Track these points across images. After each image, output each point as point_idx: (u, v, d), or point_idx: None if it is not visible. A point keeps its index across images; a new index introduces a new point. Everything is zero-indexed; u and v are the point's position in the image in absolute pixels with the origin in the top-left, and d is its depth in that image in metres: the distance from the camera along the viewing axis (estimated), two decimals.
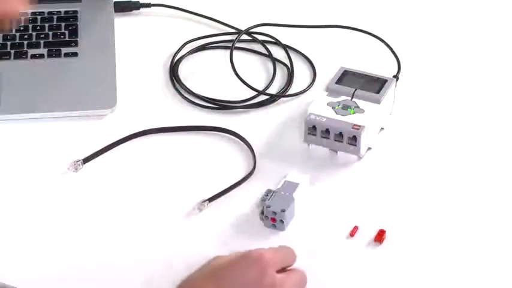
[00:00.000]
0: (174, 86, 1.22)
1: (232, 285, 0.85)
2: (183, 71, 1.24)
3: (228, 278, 0.85)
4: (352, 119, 1.08)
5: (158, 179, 1.07)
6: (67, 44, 1.26)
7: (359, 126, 1.07)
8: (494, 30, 1.33)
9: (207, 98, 1.19)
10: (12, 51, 1.25)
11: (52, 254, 0.97)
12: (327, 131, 1.07)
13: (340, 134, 1.07)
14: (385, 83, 1.13)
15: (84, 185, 1.06)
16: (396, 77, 1.17)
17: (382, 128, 1.14)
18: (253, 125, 1.15)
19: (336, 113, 1.08)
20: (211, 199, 1.03)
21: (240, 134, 1.12)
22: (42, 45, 1.26)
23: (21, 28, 1.28)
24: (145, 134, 1.13)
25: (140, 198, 1.03)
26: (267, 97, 1.20)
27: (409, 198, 1.05)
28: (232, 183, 1.05)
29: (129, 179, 1.07)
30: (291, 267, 0.90)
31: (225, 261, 0.87)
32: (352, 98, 1.11)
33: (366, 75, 1.14)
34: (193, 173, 1.07)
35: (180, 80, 1.22)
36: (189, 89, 1.21)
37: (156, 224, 1.01)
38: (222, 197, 1.04)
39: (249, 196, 1.04)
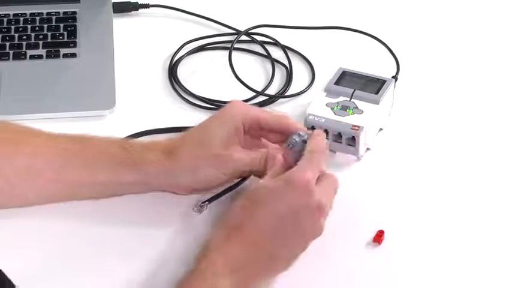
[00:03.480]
0: (173, 86, 1.22)
1: (276, 217, 0.88)
2: (182, 71, 1.24)
3: (271, 211, 0.88)
4: (351, 119, 1.08)
5: None
6: (66, 44, 1.26)
7: (358, 127, 1.07)
8: (493, 30, 1.33)
9: (206, 98, 1.20)
10: (11, 52, 1.25)
11: (51, 251, 0.98)
12: (326, 131, 1.07)
13: (339, 135, 1.08)
14: (383, 83, 1.13)
15: None
16: (395, 77, 1.17)
17: (380, 129, 1.14)
18: None
19: (335, 114, 1.09)
20: (210, 200, 1.03)
21: None
22: (41, 46, 1.26)
23: (20, 29, 1.29)
24: (144, 135, 1.12)
25: (139, 199, 1.03)
26: (265, 98, 1.20)
27: (408, 199, 1.05)
28: (232, 183, 1.03)
29: None
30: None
31: (269, 190, 0.89)
32: (350, 99, 1.11)
33: (364, 76, 1.14)
34: None
35: (179, 80, 1.23)
36: (188, 90, 1.21)
37: (155, 226, 1.01)
38: (222, 198, 1.03)
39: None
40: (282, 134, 1.00)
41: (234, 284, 0.85)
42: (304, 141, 0.98)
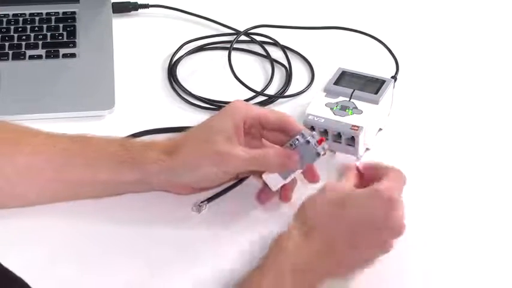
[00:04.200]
0: (172, 86, 1.22)
1: (357, 221, 0.90)
2: (181, 71, 1.24)
3: (353, 213, 0.90)
4: (350, 119, 1.08)
5: None
6: (65, 45, 1.26)
7: (357, 127, 1.07)
8: (492, 30, 1.33)
9: (205, 98, 1.20)
10: (11, 52, 1.25)
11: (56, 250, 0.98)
12: (325, 131, 1.08)
13: (339, 135, 1.08)
14: (383, 83, 1.13)
15: None
16: (394, 77, 1.17)
17: (380, 129, 1.14)
18: None
19: (334, 114, 1.09)
20: (209, 199, 1.03)
21: None
22: (40, 46, 1.26)
23: (20, 29, 1.29)
24: (144, 135, 1.12)
25: (138, 200, 1.03)
26: (265, 98, 1.20)
27: (408, 199, 0.98)
28: (231, 183, 1.05)
29: None
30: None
31: (355, 196, 0.91)
32: (350, 99, 1.11)
33: (364, 76, 1.14)
34: None
35: (178, 80, 1.23)
36: (187, 90, 1.21)
37: (154, 226, 1.01)
38: (221, 198, 1.03)
39: (248, 196, 1.03)
40: (282, 132, 1.01)
41: (296, 283, 0.88)
42: (308, 142, 0.98)
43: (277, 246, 0.90)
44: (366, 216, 0.90)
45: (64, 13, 1.31)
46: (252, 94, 1.20)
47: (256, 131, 1.02)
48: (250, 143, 1.01)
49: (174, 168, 0.98)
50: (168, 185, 1.01)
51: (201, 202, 1.02)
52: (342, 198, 0.91)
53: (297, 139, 0.99)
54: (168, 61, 1.26)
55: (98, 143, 1.01)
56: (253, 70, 1.26)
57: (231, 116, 0.99)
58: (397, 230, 0.91)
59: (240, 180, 1.05)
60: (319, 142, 0.99)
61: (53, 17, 1.31)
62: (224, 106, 1.11)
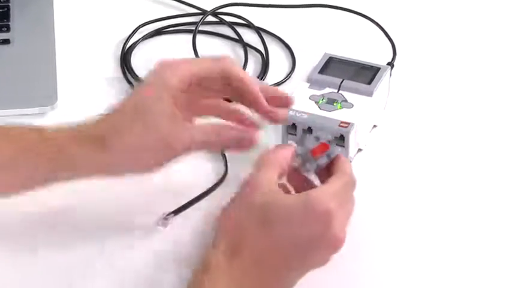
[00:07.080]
0: (125, 77, 1.21)
1: (289, 241, 0.88)
2: (136, 59, 1.24)
3: (284, 233, 0.87)
4: (339, 115, 1.07)
5: (112, 189, 1.04)
6: None
7: (347, 123, 1.06)
8: (500, 15, 1.33)
9: None
10: None
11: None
12: (310, 129, 1.07)
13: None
14: (377, 72, 1.13)
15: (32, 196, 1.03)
16: (391, 64, 1.17)
17: (374, 125, 1.14)
18: None
19: (320, 109, 1.08)
20: (176, 211, 1.02)
21: None
22: None
23: None
24: None
25: (90, 212, 1.03)
26: None
27: (404, 205, 1.05)
28: (201, 191, 1.04)
29: (75, 188, 1.02)
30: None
31: (282, 207, 0.88)
32: (338, 90, 1.10)
33: (354, 62, 1.14)
34: (155, 181, 1.04)
35: (132, 70, 1.21)
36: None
37: (113, 243, 1.00)
38: (190, 209, 1.03)
39: (221, 206, 1.00)
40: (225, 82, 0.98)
41: None
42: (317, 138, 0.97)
43: (203, 269, 0.88)
44: (299, 235, 0.88)
45: None
46: None
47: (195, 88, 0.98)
48: (190, 103, 0.99)
49: (110, 164, 0.97)
50: (107, 176, 1.00)
51: (167, 215, 1.02)
52: (267, 210, 0.88)
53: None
54: (121, 47, 1.25)
55: (16, 138, 0.98)
56: None
57: (165, 84, 0.96)
58: (335, 247, 0.90)
59: (212, 187, 1.06)
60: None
61: None
62: None
